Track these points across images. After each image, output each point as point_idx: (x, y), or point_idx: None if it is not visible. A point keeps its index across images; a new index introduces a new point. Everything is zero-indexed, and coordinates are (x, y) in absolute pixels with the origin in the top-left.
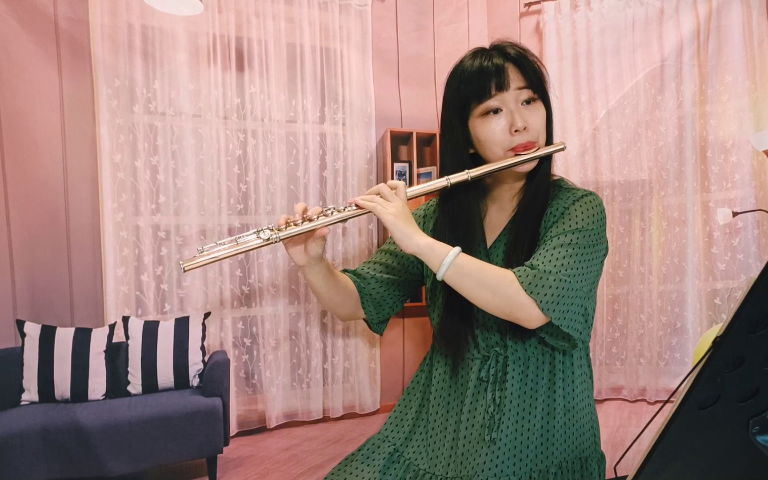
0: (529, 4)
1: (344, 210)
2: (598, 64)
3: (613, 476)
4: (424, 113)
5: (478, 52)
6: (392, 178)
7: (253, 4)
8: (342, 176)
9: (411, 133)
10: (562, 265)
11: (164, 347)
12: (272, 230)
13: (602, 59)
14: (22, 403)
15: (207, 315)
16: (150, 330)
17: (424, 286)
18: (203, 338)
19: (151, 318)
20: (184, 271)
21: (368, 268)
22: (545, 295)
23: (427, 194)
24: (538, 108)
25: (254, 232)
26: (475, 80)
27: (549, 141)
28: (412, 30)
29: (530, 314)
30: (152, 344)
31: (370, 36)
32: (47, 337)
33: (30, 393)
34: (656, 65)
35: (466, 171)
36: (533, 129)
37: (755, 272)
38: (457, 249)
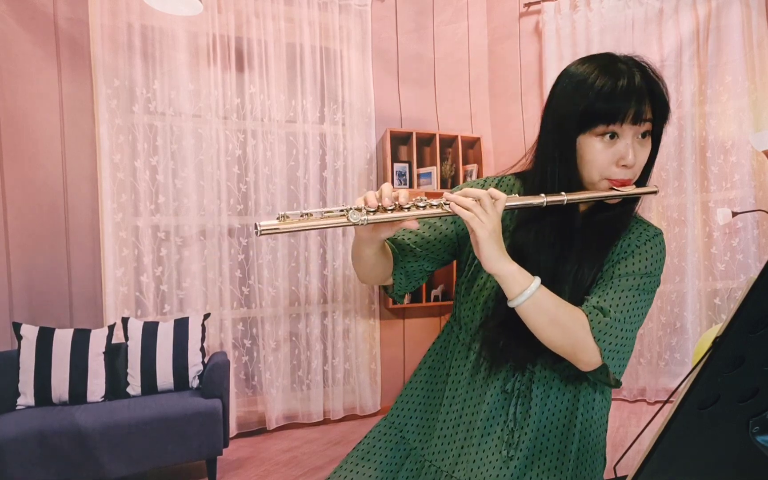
0: (528, 4)
1: (437, 207)
2: None
3: (613, 476)
4: (424, 113)
5: (616, 66)
6: (392, 178)
7: (252, 4)
8: (342, 176)
9: (411, 134)
10: (629, 312)
11: (164, 348)
12: (361, 212)
13: None
14: (18, 407)
15: (207, 316)
16: (149, 331)
17: (458, 270)
18: (203, 339)
19: (150, 319)
20: (259, 235)
21: (408, 239)
22: (610, 343)
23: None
24: (649, 145)
25: (341, 210)
26: (613, 101)
27: (644, 179)
28: (411, 30)
29: (591, 359)
30: (152, 345)
31: (369, 36)
32: (45, 339)
33: (26, 397)
34: (656, 65)
35: (564, 195)
36: (638, 166)
37: (755, 272)
38: (537, 281)
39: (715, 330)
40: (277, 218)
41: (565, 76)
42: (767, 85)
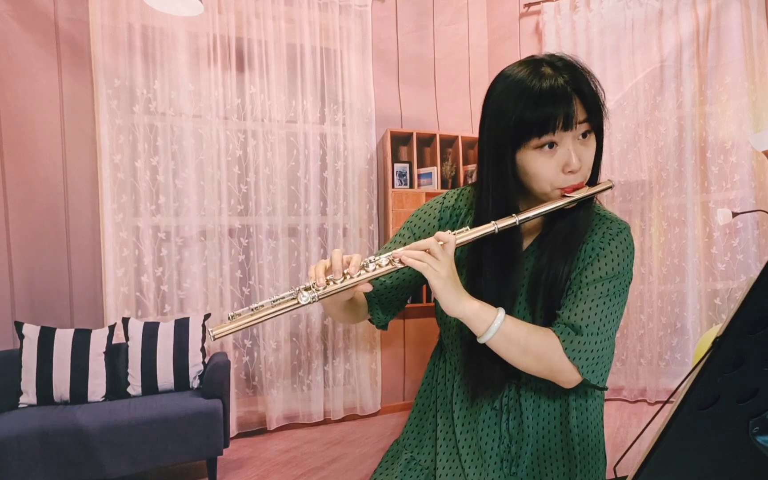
0: (528, 5)
1: (386, 265)
2: (597, 65)
3: (613, 476)
4: (424, 114)
5: (541, 72)
6: (393, 179)
7: (253, 4)
8: (342, 176)
9: (411, 134)
10: (602, 321)
11: (164, 349)
12: (310, 290)
13: (602, 60)
14: (20, 406)
15: (207, 316)
16: (150, 331)
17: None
18: (203, 340)
19: (151, 319)
20: (214, 339)
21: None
22: (587, 359)
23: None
24: (592, 142)
25: (291, 294)
26: (541, 109)
27: (595, 174)
28: (412, 30)
29: (570, 378)
30: (152, 346)
31: (370, 36)
32: (46, 338)
33: (28, 395)
34: (656, 66)
35: (515, 216)
36: (585, 167)
37: (755, 272)
38: (502, 314)
39: (715, 330)
40: (229, 318)
41: (500, 90)
42: (767, 85)
